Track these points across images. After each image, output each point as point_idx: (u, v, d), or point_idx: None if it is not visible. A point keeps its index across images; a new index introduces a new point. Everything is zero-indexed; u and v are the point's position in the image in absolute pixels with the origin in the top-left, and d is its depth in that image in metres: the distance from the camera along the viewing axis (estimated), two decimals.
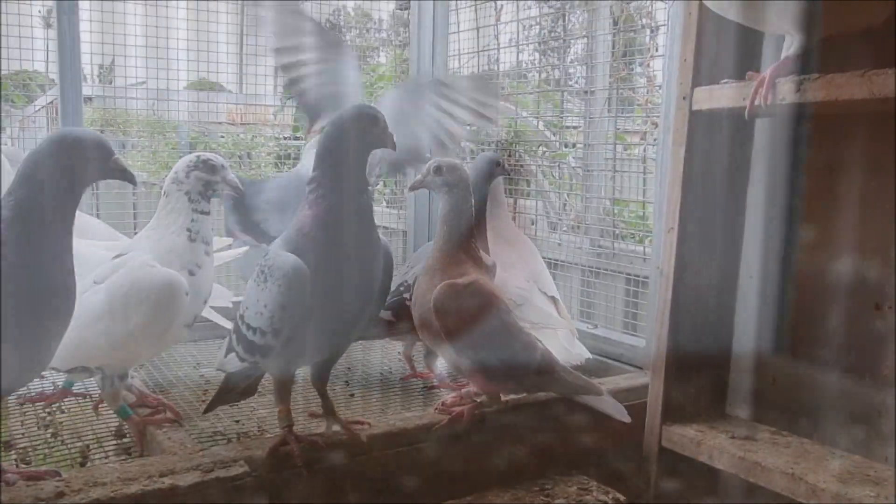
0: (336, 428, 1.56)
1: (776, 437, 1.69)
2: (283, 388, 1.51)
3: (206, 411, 1.69)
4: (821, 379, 1.73)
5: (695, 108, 1.68)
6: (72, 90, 2.26)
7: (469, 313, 1.59)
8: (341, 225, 1.39)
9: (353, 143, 1.40)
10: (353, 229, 1.40)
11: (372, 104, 1.45)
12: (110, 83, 5.93)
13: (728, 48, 1.70)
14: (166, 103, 3.87)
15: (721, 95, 1.64)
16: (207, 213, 1.65)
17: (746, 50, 1.71)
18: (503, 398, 1.70)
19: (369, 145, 1.44)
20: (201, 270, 1.63)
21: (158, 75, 3.34)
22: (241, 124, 4.74)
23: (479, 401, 1.69)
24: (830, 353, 1.71)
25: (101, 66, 6.12)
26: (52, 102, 2.95)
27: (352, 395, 2.11)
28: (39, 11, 3.10)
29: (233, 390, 1.64)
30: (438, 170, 1.66)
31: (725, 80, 1.64)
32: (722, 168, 1.76)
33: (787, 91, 1.50)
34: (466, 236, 1.65)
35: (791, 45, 1.50)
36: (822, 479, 1.49)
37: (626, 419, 1.69)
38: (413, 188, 1.75)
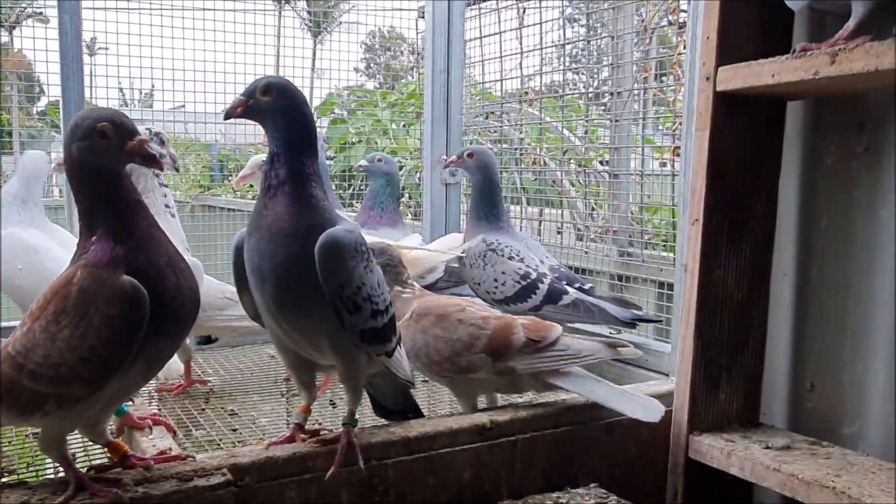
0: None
1: (815, 448, 1.53)
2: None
3: None
4: (865, 384, 1.56)
5: (719, 88, 1.56)
6: (75, 93, 2.19)
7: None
8: (262, 196, 1.34)
9: (269, 118, 1.34)
10: (266, 201, 1.32)
11: None
12: (150, 107, 6.10)
13: (755, 23, 1.57)
14: (203, 125, 3.92)
15: (748, 74, 1.50)
16: (168, 186, 1.60)
17: (776, 25, 1.59)
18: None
19: (268, 115, 1.33)
20: (189, 247, 1.58)
21: (196, 98, 3.37)
22: None
23: None
24: (876, 356, 1.55)
25: (141, 91, 6.28)
26: None
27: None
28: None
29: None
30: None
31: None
32: (751, 154, 1.62)
33: (819, 64, 1.36)
34: None
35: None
36: (868, 493, 1.33)
37: (653, 419, 1.52)
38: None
